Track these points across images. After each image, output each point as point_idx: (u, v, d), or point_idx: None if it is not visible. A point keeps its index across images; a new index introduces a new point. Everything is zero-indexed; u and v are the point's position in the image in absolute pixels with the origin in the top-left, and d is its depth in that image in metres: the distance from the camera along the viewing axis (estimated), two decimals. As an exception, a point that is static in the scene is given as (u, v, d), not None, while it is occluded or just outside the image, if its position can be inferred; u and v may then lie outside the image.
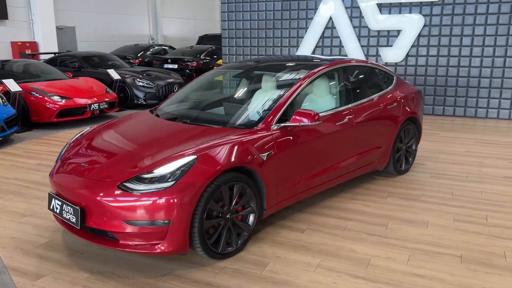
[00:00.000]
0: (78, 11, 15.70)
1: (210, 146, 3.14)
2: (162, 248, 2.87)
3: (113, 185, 2.93)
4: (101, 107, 8.64)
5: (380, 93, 4.82)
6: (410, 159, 5.30)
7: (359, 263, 3.16)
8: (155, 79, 10.58)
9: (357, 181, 4.89)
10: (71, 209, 3.02)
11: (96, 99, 8.59)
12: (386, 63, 9.42)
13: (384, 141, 4.75)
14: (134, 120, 4.05)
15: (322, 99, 4.24)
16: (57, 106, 7.99)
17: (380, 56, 9.49)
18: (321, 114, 3.99)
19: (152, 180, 2.90)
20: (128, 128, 3.87)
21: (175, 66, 13.38)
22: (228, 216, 3.16)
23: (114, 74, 10.01)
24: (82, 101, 8.37)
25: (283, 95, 3.79)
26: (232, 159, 3.12)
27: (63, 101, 8.10)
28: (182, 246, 2.91)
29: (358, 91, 4.64)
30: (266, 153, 3.37)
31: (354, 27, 9.63)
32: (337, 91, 4.38)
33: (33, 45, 13.94)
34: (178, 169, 2.93)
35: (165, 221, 2.83)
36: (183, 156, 3.02)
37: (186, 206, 2.85)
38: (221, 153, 3.11)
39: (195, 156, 3.01)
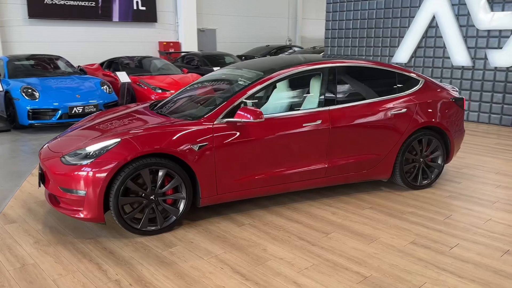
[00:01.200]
0: (220, 14, 17.37)
1: (140, 131, 3.52)
2: (82, 215, 3.39)
3: (58, 157, 3.56)
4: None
5: (382, 97, 4.43)
6: (431, 175, 4.71)
7: (254, 261, 3.15)
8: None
9: (357, 189, 4.62)
10: (39, 173, 3.79)
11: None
12: (495, 67, 8.16)
13: (383, 149, 4.37)
14: (127, 110, 4.61)
15: (290, 99, 4.18)
16: (156, 96, 9.24)
17: (487, 59, 8.26)
18: (281, 114, 4.00)
19: (82, 156, 3.44)
20: (114, 116, 4.42)
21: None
22: (152, 197, 3.50)
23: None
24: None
25: (237, 92, 3.91)
26: (156, 146, 3.44)
27: (161, 92, 9.32)
28: (97, 216, 3.38)
29: (346, 93, 4.37)
30: (199, 145, 3.58)
31: (460, 26, 8.57)
32: (314, 92, 4.23)
33: (176, 44, 16.04)
34: (101, 149, 3.40)
35: (82, 192, 3.34)
36: (110, 138, 3.48)
37: (99, 181, 3.30)
38: (146, 139, 3.46)
39: (118, 139, 3.44)
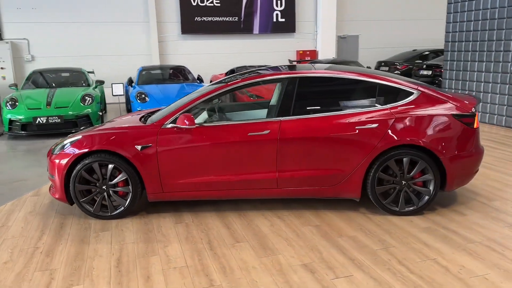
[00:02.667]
0: (364, 20, 16.96)
1: (98, 132, 4.22)
2: (56, 196, 4.28)
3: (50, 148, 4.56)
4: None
5: (349, 110, 4.09)
6: (418, 201, 4.09)
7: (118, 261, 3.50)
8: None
9: (332, 206, 4.38)
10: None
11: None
12: None
13: (347, 166, 4.05)
14: (128, 115, 5.30)
15: (248, 108, 4.24)
16: (251, 103, 9.93)
17: None
18: (227, 122, 4.16)
19: (59, 147, 4.32)
20: (119, 118, 5.14)
21: (429, 72, 12.74)
22: (104, 188, 4.17)
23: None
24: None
25: (190, 100, 4.23)
26: (103, 144, 4.08)
27: (255, 99, 9.95)
28: (62, 197, 4.22)
29: (305, 105, 4.17)
30: (142, 145, 4.08)
31: None
32: (272, 102, 4.20)
33: (313, 53, 16.40)
34: (69, 142, 4.23)
35: (53, 176, 4.23)
36: (77, 135, 4.28)
37: (61, 169, 4.13)
38: (98, 138, 4.13)
39: (80, 136, 4.21)
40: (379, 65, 15.44)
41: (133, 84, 10.61)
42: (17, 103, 8.66)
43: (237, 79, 4.32)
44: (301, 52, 16.24)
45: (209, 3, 14.93)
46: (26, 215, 4.39)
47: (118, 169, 4.13)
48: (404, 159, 4.02)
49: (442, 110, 4.08)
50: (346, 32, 16.92)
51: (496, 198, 4.52)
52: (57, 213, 4.40)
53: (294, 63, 14.90)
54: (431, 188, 4.07)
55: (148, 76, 10.81)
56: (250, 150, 4.08)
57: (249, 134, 4.07)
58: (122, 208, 4.21)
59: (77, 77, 10.51)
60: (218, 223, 4.05)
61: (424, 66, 13.27)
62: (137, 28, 14.42)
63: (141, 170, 4.10)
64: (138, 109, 8.98)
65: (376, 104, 4.13)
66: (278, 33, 15.96)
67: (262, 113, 4.71)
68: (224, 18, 15.20)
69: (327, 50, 16.39)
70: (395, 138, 3.98)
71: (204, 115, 4.43)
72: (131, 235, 3.84)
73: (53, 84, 10.12)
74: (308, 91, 4.25)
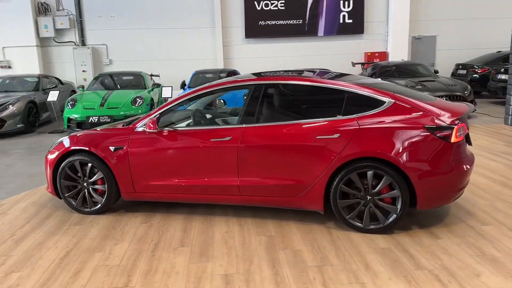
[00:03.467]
0: (441, 19, 15.73)
1: (81, 134, 4.56)
2: (48, 189, 4.72)
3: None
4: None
5: (312, 119, 3.91)
6: (384, 219, 3.78)
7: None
8: (419, 91, 10.06)
9: (300, 217, 4.25)
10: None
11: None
12: None
13: (308, 176, 3.89)
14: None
15: (215, 114, 4.26)
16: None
17: None
18: (192, 128, 4.25)
19: (53, 144, 4.74)
20: None
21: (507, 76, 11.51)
22: (85, 185, 4.51)
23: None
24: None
25: (162, 106, 4.38)
26: (81, 144, 4.41)
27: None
28: (52, 191, 4.64)
29: (270, 112, 4.07)
30: (115, 147, 4.33)
31: None
32: (236, 108, 4.17)
33: (383, 55, 15.63)
34: (59, 140, 4.64)
35: (45, 171, 4.68)
36: (66, 136, 4.67)
37: (50, 164, 4.56)
38: (78, 139, 4.48)
39: (66, 136, 4.59)
40: (457, 68, 14.24)
41: (185, 87, 11.12)
42: (76, 103, 9.60)
43: (206, 86, 4.38)
44: (369, 54, 15.59)
45: (274, 6, 15.04)
46: (28, 205, 4.90)
47: (96, 168, 4.44)
48: (368, 173, 3.74)
49: (413, 122, 3.71)
50: (421, 33, 15.85)
51: (491, 222, 3.98)
52: (52, 206, 4.84)
53: (357, 65, 14.38)
54: (398, 206, 3.73)
55: (200, 79, 11.25)
56: (212, 156, 4.11)
57: (211, 139, 4.11)
58: (100, 205, 4.50)
59: (137, 80, 11.31)
60: (179, 226, 4.14)
61: (502, 70, 11.99)
62: (203, 34, 15.05)
63: (114, 170, 4.36)
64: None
65: (344, 113, 3.89)
66: (345, 34, 15.51)
67: (231, 119, 4.71)
68: (288, 21, 15.19)
69: (398, 51, 15.51)
70: (357, 150, 3.73)
71: (175, 120, 4.56)
72: (95, 231, 4.11)
73: (118, 86, 11.02)
74: (273, 99, 4.16)
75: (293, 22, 15.21)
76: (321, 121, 3.90)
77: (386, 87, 4.09)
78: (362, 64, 14.49)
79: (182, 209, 4.57)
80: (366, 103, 3.88)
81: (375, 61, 15.37)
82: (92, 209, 4.53)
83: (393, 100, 3.84)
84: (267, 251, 3.55)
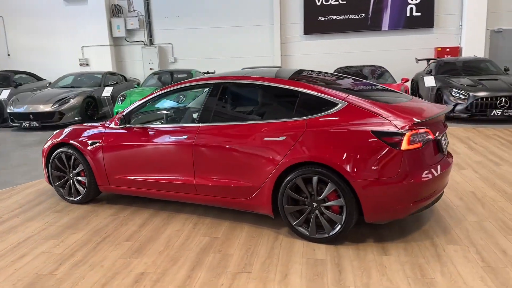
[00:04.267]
0: (530, 9, 13.97)
1: (73, 127, 4.88)
2: (46, 179, 5.14)
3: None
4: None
5: (262, 120, 3.77)
6: (330, 228, 3.53)
7: (50, 236, 4.00)
8: (476, 91, 9.09)
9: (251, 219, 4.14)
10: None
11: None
12: None
13: (256, 179, 3.77)
14: None
15: (178, 112, 4.28)
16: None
17: None
18: (155, 126, 4.34)
19: (49, 137, 5.16)
20: None
21: None
22: (70, 175, 4.84)
23: (429, 81, 9.71)
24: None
25: (131, 104, 4.52)
26: (64, 139, 4.74)
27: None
28: (47, 180, 5.05)
29: (225, 111, 4.00)
30: (92, 141, 4.58)
31: None
32: (195, 107, 4.15)
33: (455, 50, 14.31)
34: (53, 134, 5.02)
35: (42, 160, 5.10)
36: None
37: (44, 154, 4.96)
38: (65, 132, 4.82)
39: (57, 131, 4.95)
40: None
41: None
42: (125, 99, 10.26)
43: (169, 86, 4.43)
44: (439, 49, 14.40)
45: (334, 1, 14.57)
46: (32, 192, 5.39)
47: (77, 160, 4.73)
48: (314, 179, 3.51)
49: (361, 126, 3.39)
50: (502, 25, 14.23)
51: (460, 242, 3.50)
52: (50, 194, 5.26)
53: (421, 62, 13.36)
54: (343, 216, 3.44)
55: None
56: (172, 154, 4.16)
57: (171, 138, 4.15)
58: (81, 195, 4.80)
59: (189, 78, 11.75)
60: (139, 221, 4.26)
61: None
62: (262, 31, 15.10)
63: (91, 163, 4.61)
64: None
65: (294, 114, 3.69)
66: (412, 28, 14.49)
67: (186, 117, 4.69)
68: (350, 16, 14.61)
69: (473, 47, 14.09)
70: (301, 154, 3.52)
71: (149, 117, 4.68)
72: (66, 219, 4.39)
73: (172, 83, 11.55)
74: (228, 98, 4.08)
75: (354, 16, 14.60)
76: (270, 122, 3.74)
77: (346, 88, 3.79)
78: (428, 60, 13.43)
79: (154, 204, 4.68)
80: (318, 105, 3.63)
81: (445, 56, 14.17)
82: (75, 198, 4.84)
83: (346, 102, 3.54)
84: (199, 253, 3.51)
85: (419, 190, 3.38)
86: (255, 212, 3.93)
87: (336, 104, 3.57)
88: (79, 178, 4.76)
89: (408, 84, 11.41)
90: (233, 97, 4.11)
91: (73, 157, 4.73)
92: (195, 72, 11.95)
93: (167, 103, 4.41)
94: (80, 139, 4.66)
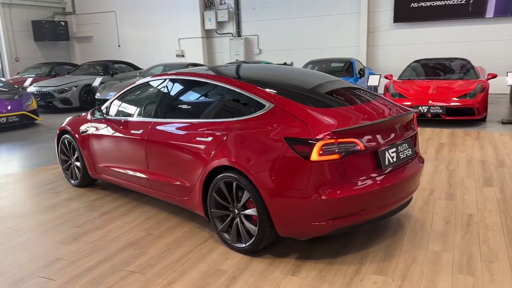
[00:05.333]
0: None
1: (75, 116, 5.31)
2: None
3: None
4: (432, 111, 8.12)
5: (202, 119, 3.63)
6: (247, 238, 3.29)
7: None
8: None
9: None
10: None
11: (431, 102, 8.16)
12: None
13: (189, 179, 3.69)
14: None
15: (141, 106, 4.36)
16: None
17: None
18: (121, 118, 4.48)
19: (67, 127, 5.68)
20: None
21: None
22: (71, 161, 5.29)
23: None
24: (418, 101, 8.31)
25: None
26: (65, 127, 5.18)
27: (398, 98, 8.59)
28: (59, 161, 5.60)
29: (172, 107, 3.97)
30: (82, 130, 4.93)
31: None
32: (156, 102, 4.16)
33: None
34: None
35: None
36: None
37: (56, 140, 5.50)
38: (68, 121, 5.25)
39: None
40: None
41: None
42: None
43: (133, 82, 4.52)
44: (557, 39, 12.08)
45: (429, -15, 13.14)
46: (53, 173, 6.00)
47: (74, 148, 5.14)
48: (233, 184, 3.30)
49: (278, 130, 3.06)
50: None
51: (392, 274, 2.96)
52: (62, 176, 5.81)
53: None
54: (257, 226, 3.17)
55: (313, 68, 10.95)
56: (132, 147, 4.27)
57: (131, 131, 4.26)
58: (78, 179, 5.21)
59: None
60: (107, 209, 4.46)
61: None
62: (348, 20, 14.37)
63: (81, 151, 4.97)
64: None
65: (227, 115, 3.49)
66: (525, 15, 12.38)
67: (150, 112, 4.63)
68: (447, 2, 13.05)
69: None
70: (221, 157, 3.33)
71: (119, 110, 4.78)
72: (64, 198, 4.81)
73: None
74: (175, 95, 4.04)
75: (453, 2, 12.99)
76: (204, 122, 3.60)
77: (287, 87, 3.47)
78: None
79: (136, 194, 4.86)
80: (250, 105, 3.39)
81: None
82: (74, 182, 5.28)
83: (273, 104, 3.23)
84: (120, 248, 3.55)
85: (336, 207, 2.94)
86: (195, 212, 3.84)
87: (264, 106, 3.28)
88: (77, 163, 5.17)
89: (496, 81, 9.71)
90: (177, 94, 4.06)
91: (72, 144, 5.15)
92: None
93: (140, 97, 4.52)
94: (76, 128, 5.05)
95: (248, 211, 3.25)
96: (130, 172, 4.36)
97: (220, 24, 16.40)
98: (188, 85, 3.99)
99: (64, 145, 5.31)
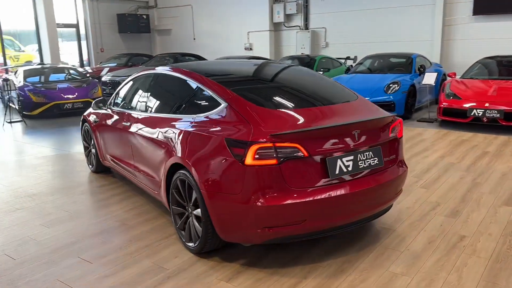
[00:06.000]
0: None
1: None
2: (87, 146, 6.10)
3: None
4: (488, 114, 7.25)
5: (174, 114, 3.62)
6: (197, 239, 3.24)
7: None
8: None
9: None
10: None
11: (488, 105, 7.30)
12: None
13: (158, 174, 3.72)
14: None
15: (128, 99, 4.48)
16: (444, 104, 7.91)
17: None
18: (119, 109, 4.62)
19: (94, 115, 6.04)
20: None
21: None
22: (90, 149, 5.62)
23: None
24: (468, 104, 7.51)
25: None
26: (85, 115, 5.50)
27: (451, 99, 7.82)
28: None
29: (152, 102, 4.04)
30: (94, 119, 5.21)
31: None
32: (138, 96, 4.25)
33: None
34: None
35: (83, 133, 6.05)
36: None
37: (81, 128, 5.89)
38: (88, 110, 5.56)
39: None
40: None
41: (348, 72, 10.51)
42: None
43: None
44: None
45: (517, -28, 11.66)
46: (80, 158, 6.41)
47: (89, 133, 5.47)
48: (186, 182, 3.26)
49: (223, 131, 2.96)
50: None
51: (329, 293, 2.72)
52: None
53: None
54: (202, 227, 3.11)
55: (369, 63, 10.38)
56: (123, 138, 4.41)
57: (122, 122, 4.41)
58: (94, 165, 5.53)
59: (325, 63, 11.49)
60: (117, 200, 4.68)
61: None
62: (421, 12, 13.33)
63: (94, 139, 5.26)
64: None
65: (190, 111, 3.45)
66: None
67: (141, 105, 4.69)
68: (538, -9, 11.49)
69: None
70: (175, 154, 3.31)
71: (121, 102, 4.92)
72: (76, 183, 5.15)
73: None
74: (154, 89, 4.14)
75: (545, -9, 11.41)
76: (171, 118, 3.60)
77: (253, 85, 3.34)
78: None
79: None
80: (209, 103, 3.31)
81: None
82: (92, 168, 5.62)
83: (227, 103, 3.12)
84: (93, 235, 3.70)
85: (272, 215, 2.76)
86: (167, 207, 3.86)
87: (220, 104, 3.19)
88: (93, 150, 5.48)
89: None
90: (154, 88, 4.14)
91: (89, 131, 5.47)
92: (319, 59, 11.54)
93: (130, 90, 4.65)
94: (91, 116, 5.34)
95: (196, 211, 3.19)
96: (122, 163, 4.52)
97: (288, 17, 16.20)
98: (164, 81, 4.02)
99: (85, 132, 5.66)
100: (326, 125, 2.86)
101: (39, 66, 12.05)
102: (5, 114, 9.97)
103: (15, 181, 5.31)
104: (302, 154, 2.76)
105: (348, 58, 13.17)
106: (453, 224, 3.69)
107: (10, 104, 10.11)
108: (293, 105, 3.15)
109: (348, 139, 2.93)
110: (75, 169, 5.82)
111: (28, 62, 16.34)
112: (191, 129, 3.23)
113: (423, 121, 8.51)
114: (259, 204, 2.74)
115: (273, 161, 2.72)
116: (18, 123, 9.63)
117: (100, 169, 5.48)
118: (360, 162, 2.98)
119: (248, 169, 2.73)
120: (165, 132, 3.54)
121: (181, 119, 3.44)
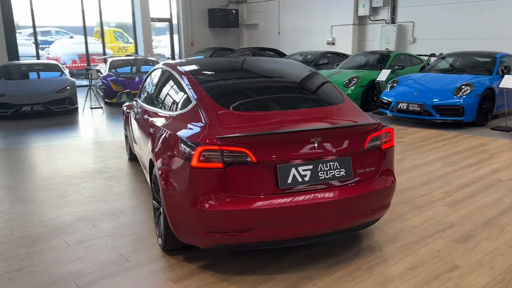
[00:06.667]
0: None
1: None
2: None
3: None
4: None
5: (164, 109, 3.71)
6: (164, 237, 3.27)
7: None
8: None
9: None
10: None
11: None
12: None
13: (147, 168, 3.83)
14: None
15: (146, 92, 4.62)
16: None
17: None
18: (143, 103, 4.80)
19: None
20: None
21: None
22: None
23: None
24: None
25: (143, 83, 5.12)
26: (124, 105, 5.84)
27: None
28: (126, 137, 6.37)
29: (154, 96, 4.17)
30: (127, 110, 5.51)
31: None
32: (151, 90, 4.37)
33: None
34: (132, 102, 6.22)
35: (127, 123, 6.43)
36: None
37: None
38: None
39: (130, 100, 6.09)
40: None
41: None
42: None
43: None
44: None
45: None
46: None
47: (129, 123, 5.79)
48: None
49: (181, 129, 2.95)
50: None
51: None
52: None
53: None
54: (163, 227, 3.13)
55: (447, 62, 9.46)
56: (135, 128, 4.62)
57: (144, 116, 4.58)
58: (128, 154, 5.87)
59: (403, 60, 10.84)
60: (128, 189, 4.94)
61: None
62: (525, 4, 11.73)
63: (126, 129, 5.57)
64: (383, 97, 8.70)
65: (174, 107, 3.49)
66: None
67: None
68: None
69: None
70: (150, 150, 3.37)
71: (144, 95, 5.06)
72: (106, 167, 5.55)
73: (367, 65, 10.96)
74: (157, 84, 4.22)
75: None
76: (159, 113, 3.71)
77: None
78: None
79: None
80: (185, 100, 3.31)
81: None
82: (128, 155, 5.96)
83: (196, 102, 3.09)
84: (71, 213, 3.95)
85: (213, 220, 2.67)
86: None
87: (191, 102, 3.16)
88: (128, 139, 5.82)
89: None
90: (157, 83, 4.23)
91: (124, 120, 5.80)
92: (394, 55, 10.79)
93: (146, 84, 4.80)
94: (127, 107, 5.65)
95: (161, 209, 3.21)
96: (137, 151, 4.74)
97: (374, 10, 15.39)
98: (162, 76, 4.10)
99: (124, 121, 6.01)
100: (278, 131, 2.68)
101: (126, 58, 13.04)
102: (85, 101, 11.00)
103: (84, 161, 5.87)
104: (250, 160, 2.62)
105: (432, 55, 12.12)
106: (454, 251, 3.22)
107: (93, 92, 11.12)
108: (261, 107, 3.01)
109: (307, 147, 2.70)
110: (119, 155, 6.22)
111: (132, 54, 17.78)
112: (165, 126, 3.26)
113: (497, 129, 7.53)
114: (202, 207, 2.67)
115: (218, 165, 2.62)
116: (99, 109, 10.57)
117: (133, 157, 5.79)
118: (321, 172, 2.74)
119: (193, 171, 2.67)
120: (150, 127, 3.62)
121: (164, 115, 3.49)
